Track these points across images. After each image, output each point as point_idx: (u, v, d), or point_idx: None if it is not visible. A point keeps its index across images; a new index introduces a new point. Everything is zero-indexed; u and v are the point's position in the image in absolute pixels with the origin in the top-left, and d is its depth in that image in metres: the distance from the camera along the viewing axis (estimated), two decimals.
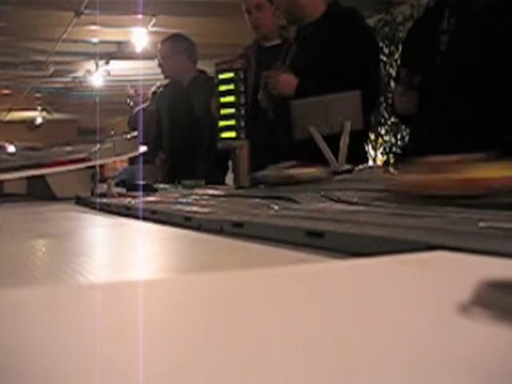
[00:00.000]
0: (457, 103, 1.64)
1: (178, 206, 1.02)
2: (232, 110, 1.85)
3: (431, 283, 0.33)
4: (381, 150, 5.13)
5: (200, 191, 1.54)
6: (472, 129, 1.60)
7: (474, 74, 1.62)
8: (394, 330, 0.23)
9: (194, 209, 0.94)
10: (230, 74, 1.86)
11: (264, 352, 0.21)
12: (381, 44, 4.47)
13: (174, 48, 3.05)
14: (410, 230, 0.51)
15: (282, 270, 0.41)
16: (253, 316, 0.26)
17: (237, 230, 0.69)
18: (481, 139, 1.57)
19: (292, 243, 0.58)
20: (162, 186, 1.99)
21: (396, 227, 0.53)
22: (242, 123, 1.83)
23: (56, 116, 12.08)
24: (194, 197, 1.28)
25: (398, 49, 4.85)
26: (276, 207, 0.85)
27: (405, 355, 0.20)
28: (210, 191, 1.50)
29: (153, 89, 3.43)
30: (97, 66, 7.99)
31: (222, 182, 2.67)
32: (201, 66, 3.17)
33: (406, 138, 4.39)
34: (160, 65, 3.08)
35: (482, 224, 0.51)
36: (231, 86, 1.86)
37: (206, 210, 0.91)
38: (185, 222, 0.82)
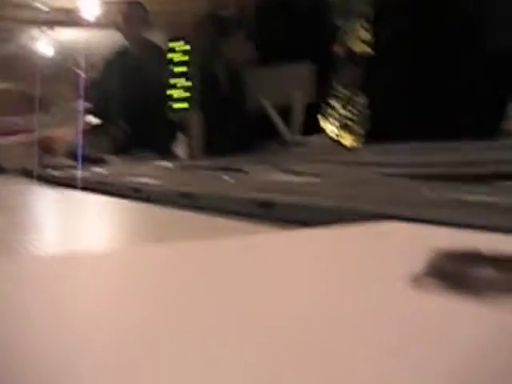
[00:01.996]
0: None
1: (128, 178, 1.01)
2: (184, 81, 1.82)
3: (382, 253, 0.33)
4: (334, 122, 5.16)
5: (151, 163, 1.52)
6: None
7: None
8: (345, 299, 0.23)
9: (144, 180, 0.93)
10: (183, 45, 1.84)
11: (214, 322, 0.20)
12: None
13: (144, 13, 3.01)
14: (361, 201, 0.51)
15: (232, 240, 0.40)
16: (203, 286, 0.26)
17: (186, 200, 0.68)
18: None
19: (242, 214, 0.58)
20: (112, 157, 1.96)
21: (346, 198, 0.53)
22: (195, 94, 1.81)
23: (1, 85, 11.75)
24: (144, 168, 1.27)
25: None
26: (227, 178, 0.84)
27: (356, 322, 0.20)
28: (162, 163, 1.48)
29: (101, 58, 3.35)
30: (43, 33, 7.77)
31: (171, 153, 2.65)
32: (152, 34, 3.11)
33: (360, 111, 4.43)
34: (126, 28, 3.00)
35: (428, 193, 0.51)
36: (185, 57, 1.84)
37: (155, 181, 0.90)
38: (134, 193, 0.81)
